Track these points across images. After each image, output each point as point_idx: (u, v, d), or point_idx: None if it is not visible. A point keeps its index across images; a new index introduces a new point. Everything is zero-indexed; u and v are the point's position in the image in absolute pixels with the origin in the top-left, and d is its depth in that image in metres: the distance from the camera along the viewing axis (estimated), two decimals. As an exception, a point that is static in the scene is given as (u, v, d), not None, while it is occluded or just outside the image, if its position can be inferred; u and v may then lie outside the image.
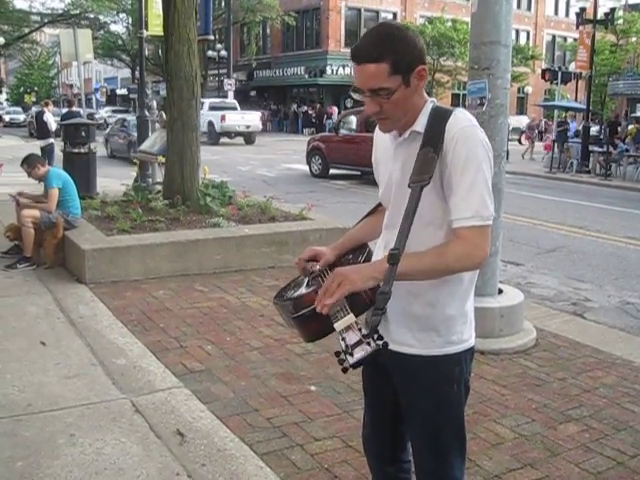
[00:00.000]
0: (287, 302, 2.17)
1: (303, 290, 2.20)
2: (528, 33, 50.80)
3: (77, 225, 7.31)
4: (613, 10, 23.95)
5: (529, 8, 50.70)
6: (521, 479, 3.23)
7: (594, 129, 25.95)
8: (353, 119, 19.45)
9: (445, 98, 43.66)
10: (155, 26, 13.76)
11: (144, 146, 11.03)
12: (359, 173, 18.75)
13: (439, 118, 2.00)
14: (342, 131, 19.09)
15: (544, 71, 29.00)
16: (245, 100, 47.40)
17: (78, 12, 41.99)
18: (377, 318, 1.79)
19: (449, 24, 40.83)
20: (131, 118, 21.84)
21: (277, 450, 3.42)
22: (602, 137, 24.63)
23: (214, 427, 3.60)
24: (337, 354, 1.77)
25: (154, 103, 13.13)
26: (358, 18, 44.22)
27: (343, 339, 1.76)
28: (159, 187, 8.98)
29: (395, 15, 45.36)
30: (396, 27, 1.99)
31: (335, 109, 40.45)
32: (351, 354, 1.72)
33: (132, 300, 5.95)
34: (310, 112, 41.07)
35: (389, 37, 1.94)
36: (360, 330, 1.76)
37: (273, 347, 4.91)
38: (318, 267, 2.27)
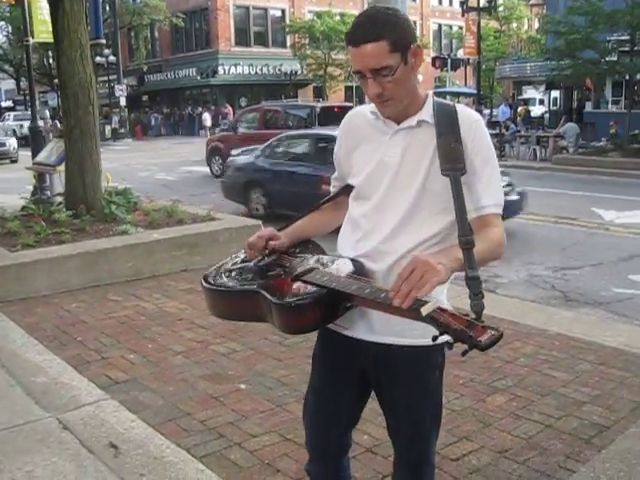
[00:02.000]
0: (250, 289, 2.08)
1: (264, 279, 2.10)
2: (415, 23, 51.93)
3: (-24, 244, 6.98)
4: (495, -3, 24.88)
5: (414, -1, 51.92)
6: (459, 452, 3.31)
7: (486, 112, 26.81)
8: (251, 117, 19.39)
9: (339, 91, 44.18)
10: (41, 32, 13.26)
11: (40, 157, 10.62)
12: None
13: (447, 110, 2.04)
14: (240, 129, 19.00)
15: (434, 59, 29.79)
16: (137, 105, 46.53)
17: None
18: (480, 302, 1.70)
19: (337, 18, 41.23)
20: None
21: (216, 451, 3.37)
22: (496, 120, 25.51)
23: (148, 435, 3.51)
24: (434, 339, 1.62)
25: (47, 113, 12.68)
26: (247, 16, 44.05)
27: (441, 322, 1.59)
28: (60, 198, 8.68)
29: (283, 11, 45.43)
30: (387, 8, 2.00)
31: (230, 109, 40.19)
32: (471, 337, 1.54)
33: (44, 316, 5.73)
34: (206, 113, 40.62)
35: (384, 16, 1.94)
36: (459, 312, 1.62)
37: (197, 350, 4.84)
38: (275, 244, 2.20)
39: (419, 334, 1.95)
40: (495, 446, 3.37)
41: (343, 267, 2.00)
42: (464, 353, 1.58)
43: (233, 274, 2.21)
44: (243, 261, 2.26)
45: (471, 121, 2.02)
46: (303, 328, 2.01)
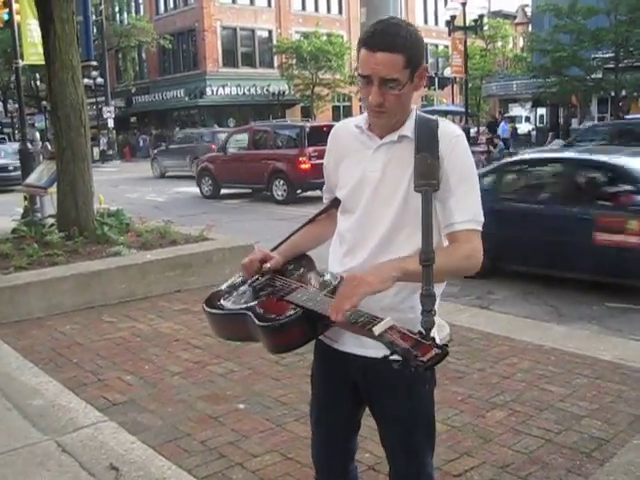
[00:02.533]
0: (239, 312, 2.13)
1: (255, 300, 2.15)
2: (400, 42, 52.24)
3: (-32, 267, 6.95)
4: (481, 17, 25.12)
5: (399, 19, 52.22)
6: (460, 468, 3.31)
7: (473, 130, 26.99)
8: (240, 137, 19.45)
9: (326, 111, 44.40)
10: (31, 55, 13.26)
11: (30, 179, 10.59)
12: (250, 191, 18.77)
13: (428, 125, 2.04)
14: (230, 150, 19.06)
15: (420, 78, 29.94)
16: (125, 126, 46.59)
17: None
18: (430, 319, 1.77)
19: (324, 38, 41.53)
20: (5, 146, 20.62)
21: (217, 472, 3.36)
22: (481, 137, 25.65)
23: (148, 457, 3.50)
24: (385, 358, 1.64)
25: (37, 135, 12.67)
26: (234, 37, 44.35)
27: (391, 342, 1.64)
28: (52, 220, 8.65)
29: (270, 32, 45.76)
30: (408, 23, 2.02)
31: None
32: (416, 356, 1.59)
33: (39, 338, 5.70)
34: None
35: (406, 31, 1.95)
36: (409, 331, 1.66)
37: (194, 370, 4.82)
38: (268, 265, 2.23)
39: None
40: (496, 461, 3.38)
41: (327, 283, 2.04)
42: (407, 368, 1.60)
43: (231, 295, 2.26)
44: (243, 282, 2.30)
45: (450, 137, 2.02)
46: (284, 347, 2.06)
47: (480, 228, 2.03)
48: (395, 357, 1.62)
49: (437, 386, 2.15)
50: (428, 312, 1.79)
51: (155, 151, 29.74)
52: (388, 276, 1.85)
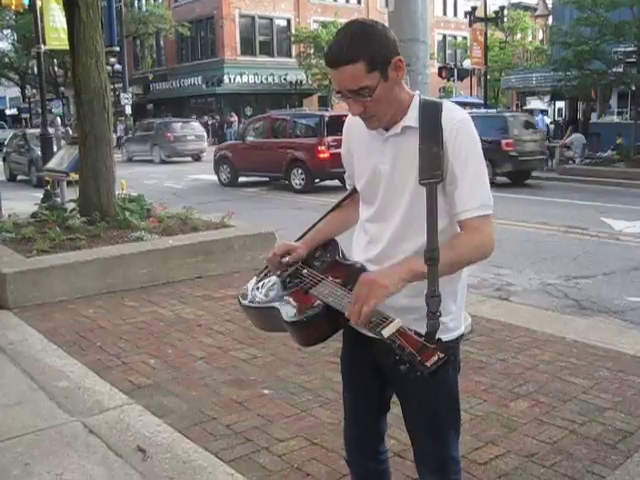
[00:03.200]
0: (269, 306, 2.18)
1: (283, 292, 2.20)
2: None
3: (-9, 249, 7.01)
4: (502, 8, 24.93)
5: (418, 9, 51.96)
6: (485, 456, 3.32)
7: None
8: (259, 126, 19.45)
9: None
10: (53, 40, 13.29)
11: (51, 164, 10.66)
12: (268, 179, 18.81)
13: (431, 111, 2.02)
14: (248, 138, 19.07)
15: (440, 69, 29.83)
16: (142, 113, 46.65)
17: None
18: (435, 322, 1.80)
19: (343, 28, 41.34)
20: (33, 131, 20.59)
21: (244, 455, 3.39)
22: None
23: (175, 440, 3.53)
24: (397, 362, 1.71)
25: (58, 119, 12.71)
26: (252, 25, 44.25)
27: (399, 345, 1.70)
28: (72, 205, 8.71)
29: (289, 21, 45.65)
30: (365, 24, 1.98)
31: (235, 117, 40.32)
32: (421, 361, 1.66)
33: (62, 321, 5.75)
34: (211, 122, 40.70)
35: (360, 35, 1.92)
36: (417, 334, 1.72)
37: (217, 355, 4.86)
38: (289, 259, 2.27)
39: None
40: (521, 450, 3.38)
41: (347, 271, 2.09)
42: (412, 373, 1.69)
43: (262, 287, 2.32)
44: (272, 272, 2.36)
45: (453, 122, 1.99)
46: (313, 340, 2.09)
47: (490, 212, 2.02)
48: (403, 360, 1.69)
49: (460, 376, 2.19)
50: (433, 314, 1.82)
51: (124, 138, 33.21)
52: (399, 278, 1.87)
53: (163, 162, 28.01)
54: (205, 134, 30.14)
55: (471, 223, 1.99)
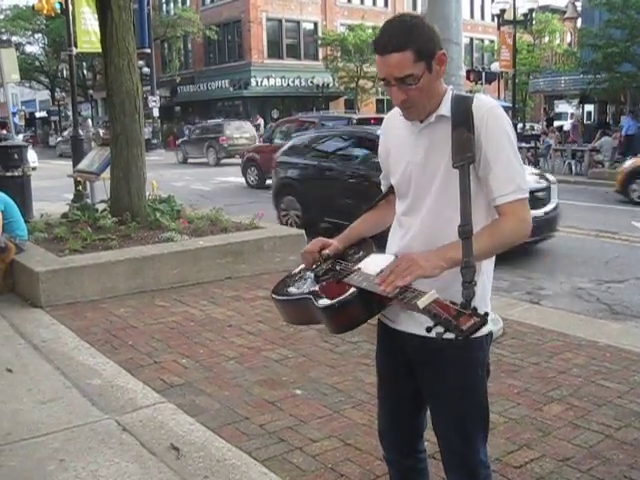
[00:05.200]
0: (302, 297, 2.22)
1: (316, 284, 2.23)
2: (446, 36, 51.76)
3: (24, 248, 7.08)
4: (531, 11, 24.76)
5: (445, 13, 51.75)
6: (521, 460, 3.29)
7: (519, 126, 26.62)
8: (287, 128, 19.48)
9: (370, 104, 44.17)
10: (84, 43, 13.43)
11: (82, 165, 10.78)
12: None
13: (463, 101, 2.07)
14: (276, 141, 19.10)
15: (469, 72, 29.61)
16: (170, 116, 47.00)
17: (-9, 33, 40.90)
18: (470, 291, 1.82)
19: (370, 31, 41.30)
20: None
21: (277, 455, 3.39)
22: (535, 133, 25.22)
23: (208, 438, 3.54)
24: (429, 329, 1.71)
25: (89, 121, 12.85)
26: (280, 29, 44.36)
27: (434, 314, 1.71)
28: (103, 205, 8.79)
29: (316, 24, 45.67)
30: (413, 16, 2.05)
31: (262, 120, 40.40)
32: (456, 325, 1.67)
33: (94, 320, 5.81)
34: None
35: (410, 26, 1.99)
36: (452, 302, 1.73)
37: (249, 355, 4.87)
38: (327, 252, 2.33)
39: None
40: (556, 454, 3.35)
41: (382, 262, 2.10)
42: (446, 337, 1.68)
43: (296, 282, 2.37)
44: (307, 269, 2.41)
45: (484, 109, 2.04)
46: (345, 326, 2.12)
47: (525, 195, 2.04)
48: (438, 329, 1.69)
49: (493, 379, 2.18)
50: (469, 283, 1.84)
51: (179, 141, 33.36)
52: (437, 264, 1.91)
53: (217, 164, 28.04)
54: (256, 135, 29.88)
55: (507, 208, 2.03)
